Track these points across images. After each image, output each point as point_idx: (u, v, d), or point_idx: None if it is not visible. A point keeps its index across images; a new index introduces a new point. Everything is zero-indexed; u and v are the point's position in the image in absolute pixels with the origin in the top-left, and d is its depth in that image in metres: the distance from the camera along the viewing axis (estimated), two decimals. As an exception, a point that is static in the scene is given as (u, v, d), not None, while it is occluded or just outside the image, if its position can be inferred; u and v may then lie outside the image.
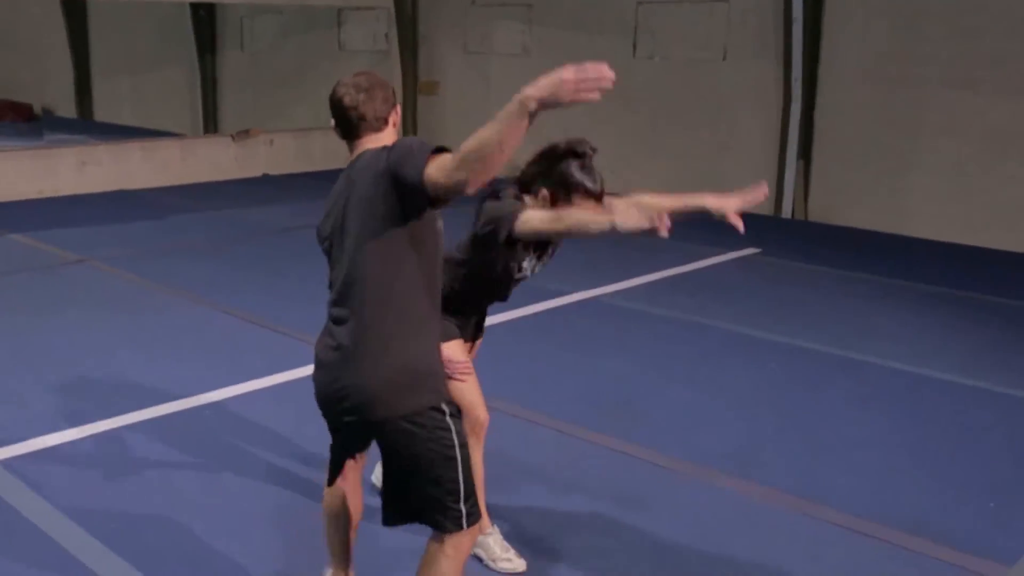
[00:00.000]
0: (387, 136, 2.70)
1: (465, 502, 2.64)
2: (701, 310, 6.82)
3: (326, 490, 3.07)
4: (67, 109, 19.91)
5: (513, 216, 2.94)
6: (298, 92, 15.34)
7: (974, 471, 4.45)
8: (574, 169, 3.14)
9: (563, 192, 3.14)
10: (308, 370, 5.34)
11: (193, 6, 16.25)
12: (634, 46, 11.61)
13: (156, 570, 3.45)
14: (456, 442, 2.63)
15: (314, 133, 13.30)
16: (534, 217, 2.94)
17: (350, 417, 2.66)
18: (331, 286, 2.72)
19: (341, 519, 3.10)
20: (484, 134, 2.25)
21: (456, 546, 2.68)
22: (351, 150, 2.72)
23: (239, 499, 4.01)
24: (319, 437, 4.50)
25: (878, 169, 9.96)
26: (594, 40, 11.94)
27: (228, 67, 17.11)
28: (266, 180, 12.40)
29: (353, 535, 3.14)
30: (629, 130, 11.62)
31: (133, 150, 11.76)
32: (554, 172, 3.16)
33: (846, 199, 10.25)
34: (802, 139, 10.36)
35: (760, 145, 10.74)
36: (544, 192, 3.17)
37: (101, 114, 19.49)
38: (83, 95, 19.63)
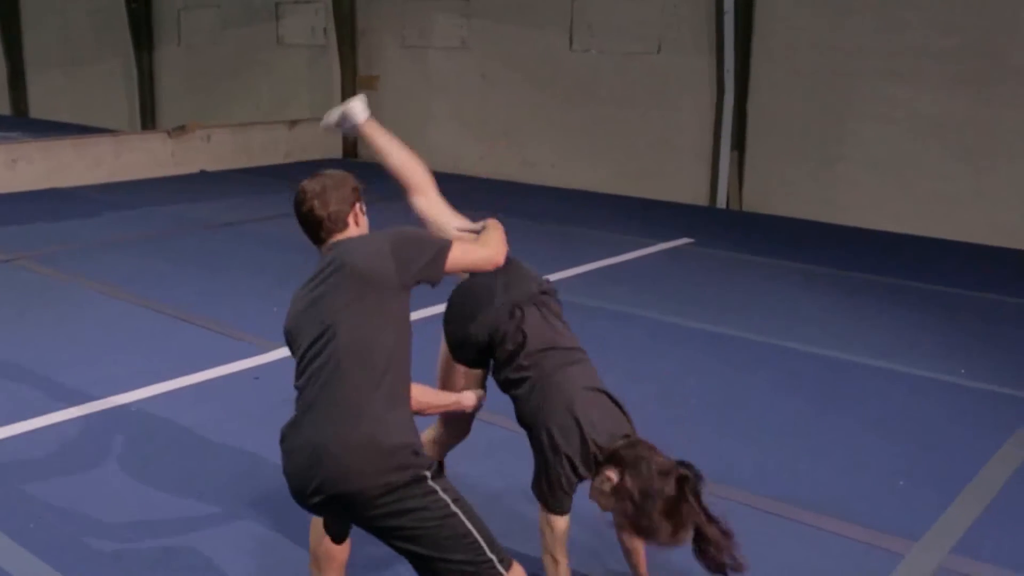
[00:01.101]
0: (353, 233, 2.79)
1: (490, 550, 2.55)
2: (629, 300, 6.92)
3: (312, 530, 2.99)
4: (0, 105, 19.52)
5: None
6: (236, 87, 15.22)
7: (882, 451, 4.60)
8: (648, 472, 2.76)
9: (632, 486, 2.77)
10: (238, 365, 5.43)
11: (127, 0, 16.03)
12: (571, 39, 11.70)
13: (78, 570, 3.45)
14: (448, 499, 2.52)
15: (252, 128, 13.20)
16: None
17: (319, 497, 2.51)
18: (304, 381, 2.62)
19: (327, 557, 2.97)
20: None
21: None
22: (321, 252, 2.79)
23: (167, 498, 4.02)
24: (243, 432, 4.56)
25: (809, 159, 10.16)
26: (531, 33, 12.01)
27: (165, 61, 16.89)
28: (204, 176, 12.29)
29: None
30: (566, 122, 11.70)
31: (65, 147, 11.57)
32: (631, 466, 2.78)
33: (779, 189, 10.44)
34: (735, 130, 10.52)
35: (695, 136, 10.88)
36: (609, 475, 2.82)
37: (36, 110, 19.13)
38: (17, 91, 19.25)
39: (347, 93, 13.92)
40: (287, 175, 12.25)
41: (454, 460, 3.66)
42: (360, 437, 2.47)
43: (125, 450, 4.43)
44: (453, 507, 2.51)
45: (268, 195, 10.76)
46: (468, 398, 3.13)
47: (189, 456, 4.39)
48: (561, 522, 2.92)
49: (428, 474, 2.52)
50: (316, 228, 2.76)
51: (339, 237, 2.76)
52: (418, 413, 2.78)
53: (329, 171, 2.90)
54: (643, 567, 3.27)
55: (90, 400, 4.95)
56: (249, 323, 6.24)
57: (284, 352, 5.64)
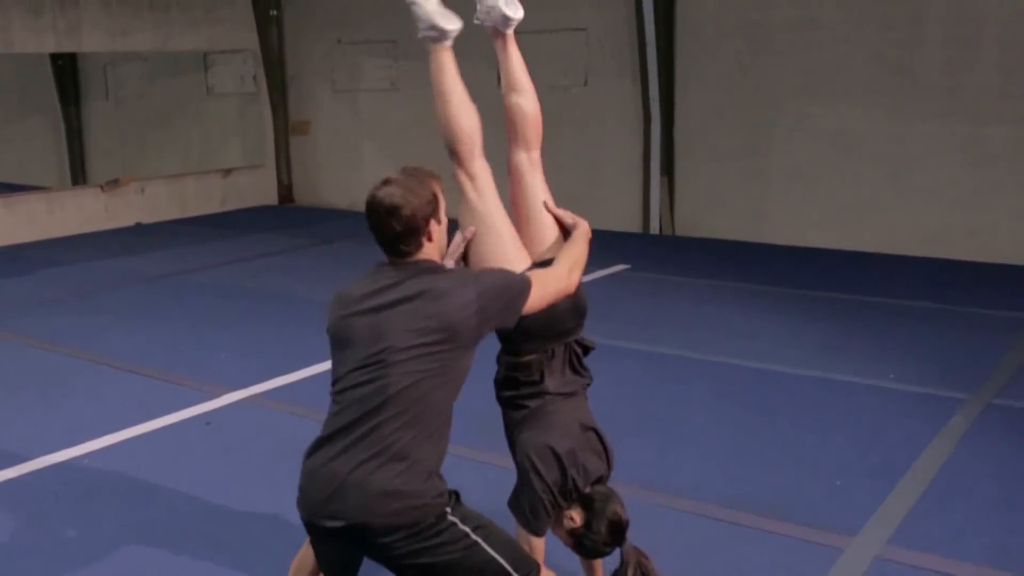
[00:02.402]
0: (428, 251, 2.65)
1: (516, 570, 2.58)
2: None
3: (294, 569, 2.98)
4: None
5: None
6: (168, 138, 15.15)
7: (819, 453, 4.81)
8: (604, 531, 2.97)
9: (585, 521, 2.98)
10: (186, 413, 5.46)
11: (52, 56, 15.90)
12: (499, 76, 11.91)
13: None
14: (468, 529, 2.55)
15: (187, 178, 13.19)
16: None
17: (336, 523, 2.48)
18: (344, 399, 2.56)
19: None
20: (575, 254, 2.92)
21: None
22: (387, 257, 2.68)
23: (125, 548, 4.04)
24: (202, 481, 4.60)
25: (736, 180, 10.48)
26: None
27: (94, 116, 16.74)
28: (139, 229, 12.24)
29: None
30: (498, 157, 11.87)
31: (-4, 206, 11.46)
32: (596, 518, 2.97)
33: (709, 211, 10.74)
34: (664, 156, 10.81)
35: (625, 164, 11.15)
36: (573, 516, 3.00)
37: (-40, 171, 18.78)
38: (-60, 152, 18.90)
39: (279, 139, 14.01)
40: (224, 223, 12.28)
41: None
42: (391, 481, 2.46)
43: (78, 502, 4.43)
44: (473, 536, 2.55)
45: (205, 244, 10.77)
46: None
47: (144, 503, 4.41)
48: (540, 543, 3.04)
49: (448, 510, 2.54)
50: (392, 245, 2.63)
51: (417, 257, 2.64)
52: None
53: (408, 170, 2.71)
54: (598, 570, 3.39)
55: (38, 455, 4.93)
56: (195, 370, 6.26)
57: (235, 397, 5.73)
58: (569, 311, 3.01)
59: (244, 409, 5.59)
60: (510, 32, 3.23)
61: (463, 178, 3.05)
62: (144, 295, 8.65)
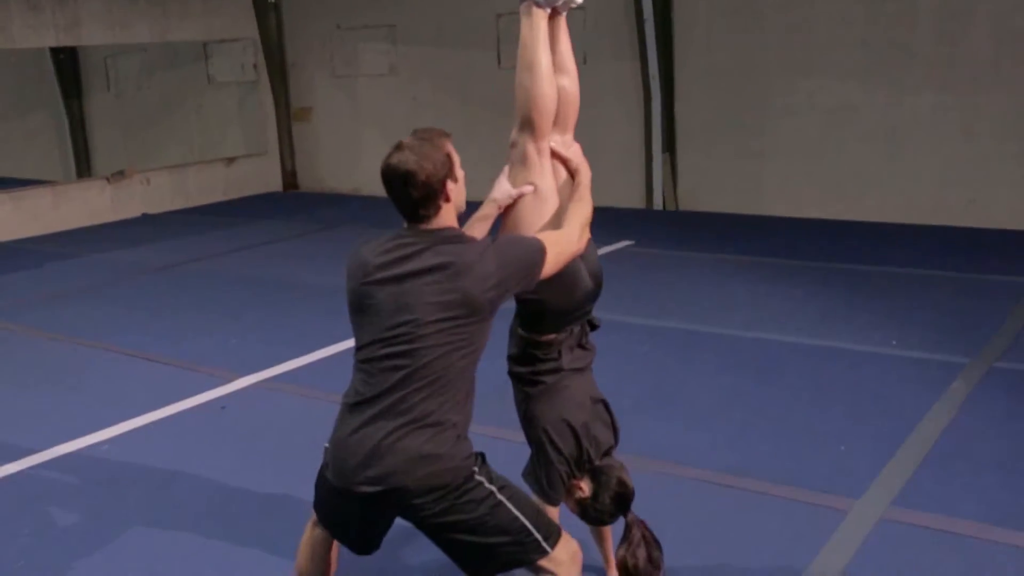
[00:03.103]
0: (447, 215, 2.70)
1: (536, 529, 2.69)
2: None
3: (300, 554, 3.05)
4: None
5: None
6: (170, 128, 15.22)
7: (822, 421, 4.90)
8: (609, 501, 3.12)
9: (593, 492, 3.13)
10: (200, 398, 5.56)
11: (53, 50, 15.96)
12: (499, 57, 11.96)
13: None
14: (495, 488, 2.66)
15: (190, 168, 13.26)
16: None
17: (373, 488, 2.57)
18: (371, 367, 2.63)
19: None
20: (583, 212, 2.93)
21: (560, 565, 2.73)
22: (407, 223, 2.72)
23: (141, 534, 4.15)
24: (220, 464, 4.70)
25: (735, 155, 10.54)
26: (459, 54, 12.26)
27: (96, 109, 16.81)
28: (145, 220, 12.33)
29: None
30: (499, 138, 11.89)
31: (2, 201, 11.54)
32: (603, 489, 3.11)
33: (710, 186, 10.80)
34: (665, 133, 10.87)
35: (626, 142, 11.20)
36: (582, 486, 3.13)
37: (-36, 167, 18.87)
38: (-57, 149, 18.99)
39: (282, 126, 14.07)
40: (229, 212, 12.36)
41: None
42: (423, 446, 2.56)
43: (98, 488, 4.54)
44: (499, 496, 2.66)
45: (211, 233, 10.86)
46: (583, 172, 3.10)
47: (163, 488, 4.51)
48: (555, 512, 3.15)
49: (476, 469, 2.65)
50: (412, 211, 2.67)
51: (436, 222, 2.69)
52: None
53: (420, 133, 2.73)
54: (608, 544, 3.48)
55: (56, 444, 5.03)
56: (207, 357, 6.36)
57: (247, 381, 5.83)
58: (591, 294, 3.11)
59: (257, 393, 5.69)
60: (563, 16, 3.23)
61: (532, 150, 3.05)
62: (152, 285, 8.75)
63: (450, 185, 2.69)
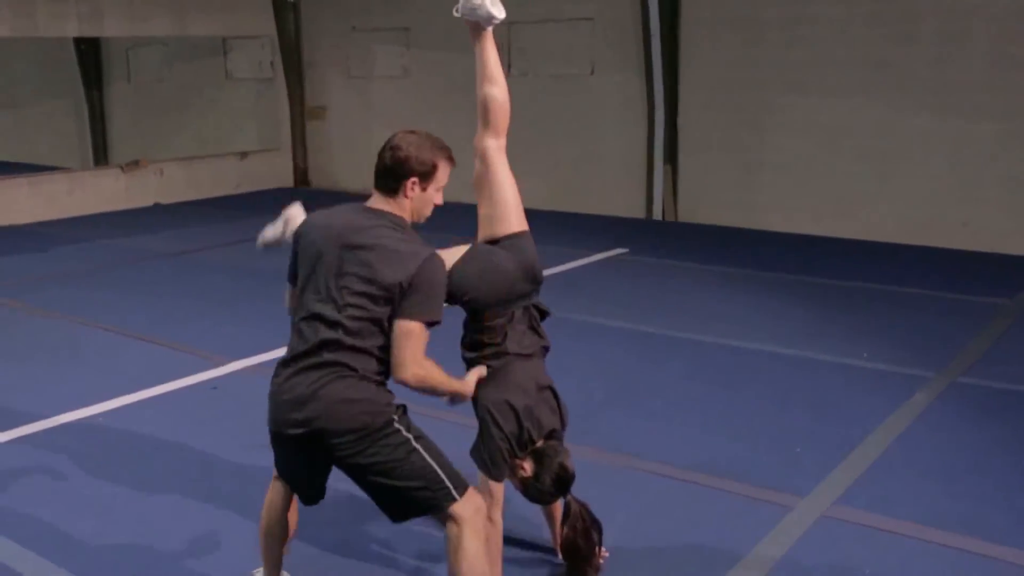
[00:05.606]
0: (401, 206, 3.01)
1: (448, 479, 2.94)
2: (557, 305, 7.34)
3: (264, 509, 3.33)
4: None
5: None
6: (187, 121, 15.55)
7: (781, 425, 5.10)
8: (550, 482, 3.34)
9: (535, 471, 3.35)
10: (193, 379, 5.80)
11: (76, 40, 16.32)
12: (508, 64, 12.21)
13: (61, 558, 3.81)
14: (411, 436, 2.93)
15: (204, 161, 13.57)
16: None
17: (300, 430, 2.87)
18: (303, 316, 2.96)
19: (275, 535, 3.32)
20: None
21: (464, 518, 2.95)
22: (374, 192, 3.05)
23: (139, 502, 4.39)
24: (207, 440, 4.94)
25: (734, 169, 10.75)
26: (470, 59, 12.25)
27: (115, 99, 17.18)
28: (157, 208, 12.62)
29: (285, 550, 3.39)
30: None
31: (19, 185, 11.86)
32: (544, 470, 3.33)
33: (709, 199, 11.00)
34: (667, 144, 11.08)
35: (629, 152, 11.42)
36: (525, 466, 3.35)
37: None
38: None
39: (295, 124, 14.36)
40: (239, 205, 12.63)
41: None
42: (345, 391, 2.85)
43: (91, 458, 4.78)
44: (415, 444, 2.93)
45: (219, 225, 11.15)
46: (469, 386, 3.26)
47: (152, 460, 4.76)
48: (499, 488, 3.38)
49: (395, 417, 2.93)
50: (379, 177, 3.02)
51: (392, 208, 3.00)
52: (420, 389, 2.96)
53: (435, 137, 3.09)
54: (557, 524, 3.69)
55: (54, 415, 5.29)
56: (203, 341, 6.61)
57: (238, 365, 6.07)
58: (520, 275, 3.36)
59: (247, 377, 5.93)
60: (489, 29, 3.56)
61: (493, 145, 3.49)
62: (155, 271, 9.02)
63: (414, 184, 3.00)
